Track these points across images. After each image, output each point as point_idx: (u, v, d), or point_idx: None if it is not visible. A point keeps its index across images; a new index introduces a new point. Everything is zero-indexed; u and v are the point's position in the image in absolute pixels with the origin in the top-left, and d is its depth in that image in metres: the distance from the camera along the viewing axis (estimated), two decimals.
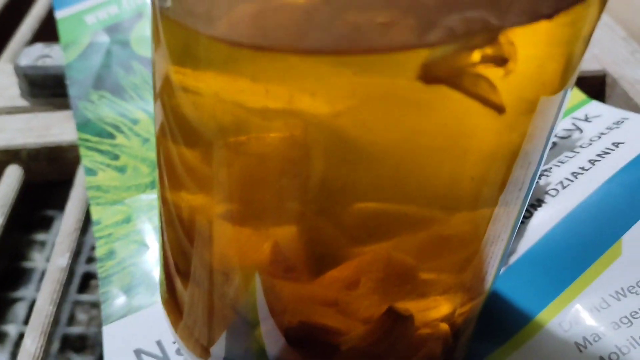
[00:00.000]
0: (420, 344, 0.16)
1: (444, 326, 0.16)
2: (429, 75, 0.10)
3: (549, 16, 0.11)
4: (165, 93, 0.14)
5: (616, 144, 0.25)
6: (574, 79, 0.13)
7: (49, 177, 0.30)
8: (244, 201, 0.14)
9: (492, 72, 0.11)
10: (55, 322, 0.22)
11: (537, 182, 0.24)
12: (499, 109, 0.11)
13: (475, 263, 0.15)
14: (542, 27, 0.11)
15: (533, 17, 0.10)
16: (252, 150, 0.13)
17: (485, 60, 0.10)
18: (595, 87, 0.33)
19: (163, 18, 0.12)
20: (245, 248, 0.14)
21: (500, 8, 0.10)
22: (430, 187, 0.13)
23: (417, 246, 0.14)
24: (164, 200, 0.16)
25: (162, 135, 0.15)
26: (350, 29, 0.10)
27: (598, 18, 0.12)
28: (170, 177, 0.15)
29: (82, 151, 0.28)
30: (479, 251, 0.15)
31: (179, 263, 0.17)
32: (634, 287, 0.20)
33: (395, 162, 0.12)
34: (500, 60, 0.11)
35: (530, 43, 0.11)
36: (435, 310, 0.15)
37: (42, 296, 0.23)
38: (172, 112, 0.14)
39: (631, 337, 0.19)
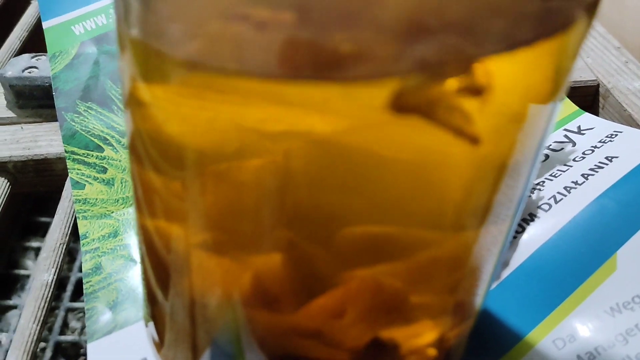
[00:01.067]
0: None
1: (432, 351, 0.16)
2: (400, 106, 0.10)
3: (527, 43, 0.10)
4: (133, 109, 0.13)
5: (610, 158, 0.24)
6: (561, 94, 0.13)
7: (36, 189, 0.29)
8: (222, 230, 0.13)
9: (467, 102, 0.10)
10: (44, 334, 0.22)
11: (530, 196, 0.24)
12: (474, 140, 0.11)
13: (465, 284, 0.15)
14: (522, 55, 0.10)
15: (510, 44, 0.10)
16: (232, 178, 0.12)
17: (460, 90, 0.10)
18: (589, 96, 0.32)
19: (129, 38, 0.12)
20: (225, 278, 0.14)
21: (475, 35, 0.10)
22: (416, 209, 0.13)
23: (406, 270, 0.14)
24: (140, 223, 0.16)
25: (132, 154, 0.14)
26: (319, 58, 0.09)
27: (585, 36, 0.12)
28: (144, 201, 0.15)
29: (69, 164, 0.27)
30: (469, 271, 0.15)
31: (158, 287, 0.16)
32: (629, 303, 0.20)
33: (380, 186, 0.12)
34: (475, 91, 0.10)
35: (509, 71, 0.11)
36: (424, 336, 0.15)
37: (25, 314, 0.22)
38: (142, 132, 0.13)
39: (627, 356, 0.19)
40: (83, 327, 0.49)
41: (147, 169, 0.14)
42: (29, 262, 0.54)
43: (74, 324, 0.50)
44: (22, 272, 0.52)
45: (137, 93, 0.13)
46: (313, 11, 0.09)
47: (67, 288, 0.51)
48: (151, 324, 0.18)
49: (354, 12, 0.09)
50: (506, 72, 0.10)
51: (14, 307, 0.50)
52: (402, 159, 0.12)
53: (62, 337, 0.48)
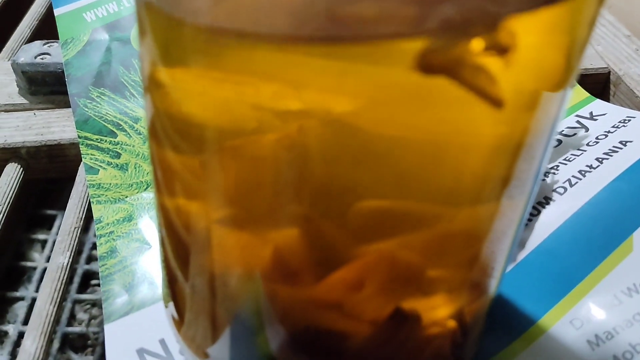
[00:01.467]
0: (428, 343, 0.16)
1: (452, 323, 0.16)
2: (427, 66, 0.10)
3: (551, 2, 0.10)
4: (153, 92, 0.13)
5: (624, 143, 0.24)
6: (577, 70, 0.13)
7: (49, 175, 0.29)
8: (241, 206, 0.13)
9: (492, 63, 0.10)
10: (56, 321, 0.22)
11: (544, 180, 0.24)
12: (497, 103, 0.11)
13: (481, 259, 0.15)
14: (544, 14, 0.10)
15: (534, 3, 0.10)
16: (249, 153, 0.12)
17: (485, 49, 0.10)
18: (600, 84, 0.32)
19: (149, 12, 0.12)
20: (245, 254, 0.14)
21: None
22: (432, 182, 0.13)
23: (422, 244, 0.14)
24: (159, 203, 0.16)
25: (152, 136, 0.14)
26: (345, 17, 0.09)
27: (601, 4, 0.12)
28: (164, 181, 0.15)
29: (83, 149, 0.27)
30: (484, 247, 0.15)
31: (178, 267, 0.16)
32: None
33: (397, 158, 0.12)
34: (501, 50, 0.10)
35: (532, 31, 0.11)
36: (443, 309, 0.15)
37: (42, 296, 0.22)
38: (161, 113, 0.13)
39: None
40: (90, 319, 0.50)
41: (168, 150, 0.14)
42: (35, 254, 0.54)
43: (81, 315, 0.50)
44: (29, 264, 0.52)
45: (157, 75, 0.13)
46: None
47: (74, 280, 0.51)
48: (171, 305, 0.18)
49: None
50: (529, 31, 0.10)
51: (21, 298, 0.50)
52: (419, 133, 0.12)
53: (70, 329, 0.48)
